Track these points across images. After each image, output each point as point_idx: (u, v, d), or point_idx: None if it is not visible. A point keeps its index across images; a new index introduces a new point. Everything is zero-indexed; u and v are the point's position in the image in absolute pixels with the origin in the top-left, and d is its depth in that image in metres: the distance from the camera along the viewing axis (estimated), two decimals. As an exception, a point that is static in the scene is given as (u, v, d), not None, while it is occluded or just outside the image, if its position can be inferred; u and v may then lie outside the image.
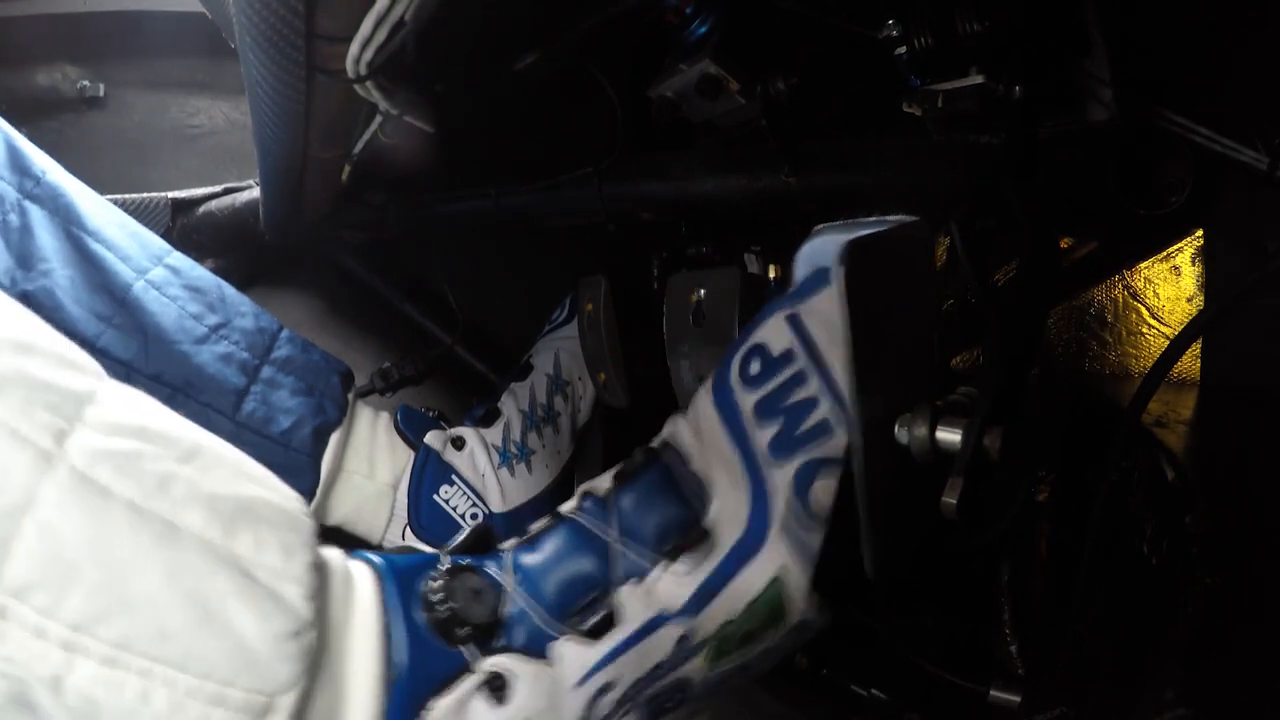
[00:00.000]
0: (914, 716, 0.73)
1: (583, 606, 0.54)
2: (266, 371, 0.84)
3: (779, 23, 0.64)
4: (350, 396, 0.90)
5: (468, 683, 0.49)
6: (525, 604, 0.53)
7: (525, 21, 0.71)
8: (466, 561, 0.54)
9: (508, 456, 0.93)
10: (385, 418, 0.94)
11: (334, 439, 0.86)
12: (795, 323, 0.53)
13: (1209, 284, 0.71)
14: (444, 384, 1.16)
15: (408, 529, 0.89)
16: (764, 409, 0.53)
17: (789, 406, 0.52)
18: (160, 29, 1.15)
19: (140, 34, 1.15)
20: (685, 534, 0.54)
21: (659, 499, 0.56)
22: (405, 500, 0.89)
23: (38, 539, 0.35)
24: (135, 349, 0.77)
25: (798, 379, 0.52)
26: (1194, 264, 0.73)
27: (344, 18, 0.48)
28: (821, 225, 0.57)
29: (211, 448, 0.43)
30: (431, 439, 0.92)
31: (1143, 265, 0.76)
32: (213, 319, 0.83)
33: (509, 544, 0.58)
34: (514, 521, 0.92)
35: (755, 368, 0.54)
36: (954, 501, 0.44)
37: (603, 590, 0.54)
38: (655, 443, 0.59)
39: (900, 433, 0.49)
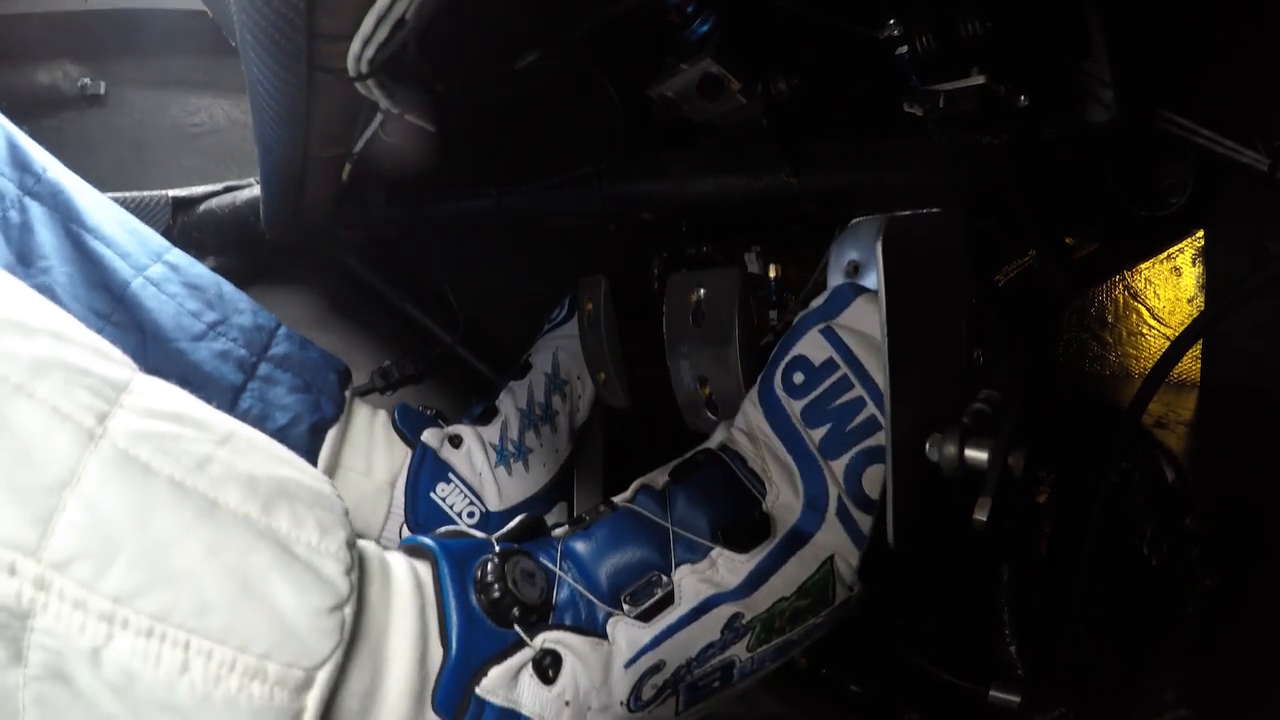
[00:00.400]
0: (914, 716, 0.73)
1: (635, 589, 0.56)
2: (264, 368, 0.84)
3: (780, 23, 0.64)
4: (348, 394, 0.90)
5: (521, 654, 0.50)
6: (576, 588, 0.55)
7: (526, 21, 0.70)
8: (518, 546, 0.56)
9: (505, 455, 0.93)
10: (383, 415, 0.94)
11: (331, 436, 0.85)
12: (830, 335, 0.59)
13: (1210, 285, 0.71)
14: (444, 383, 1.16)
15: (404, 527, 0.89)
16: (812, 413, 0.59)
17: (836, 408, 0.58)
18: (161, 27, 1.15)
19: (141, 32, 1.15)
20: (741, 521, 0.58)
21: (715, 492, 0.60)
22: (402, 498, 0.89)
23: (81, 513, 0.35)
24: (133, 346, 0.77)
25: (842, 385, 0.58)
26: (1195, 265, 0.73)
27: (345, 16, 0.47)
28: (859, 219, 0.62)
29: (244, 433, 0.44)
30: (429, 437, 0.92)
31: (1143, 266, 0.76)
32: (211, 316, 0.83)
33: (560, 531, 0.60)
34: (510, 520, 0.92)
35: (799, 378, 0.60)
36: (984, 519, 0.49)
37: (656, 573, 0.56)
38: (713, 445, 0.64)
39: (931, 451, 0.53)
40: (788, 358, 0.62)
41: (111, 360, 0.41)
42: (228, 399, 0.81)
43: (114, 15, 1.14)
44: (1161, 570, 0.56)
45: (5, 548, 0.34)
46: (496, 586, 0.51)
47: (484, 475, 0.92)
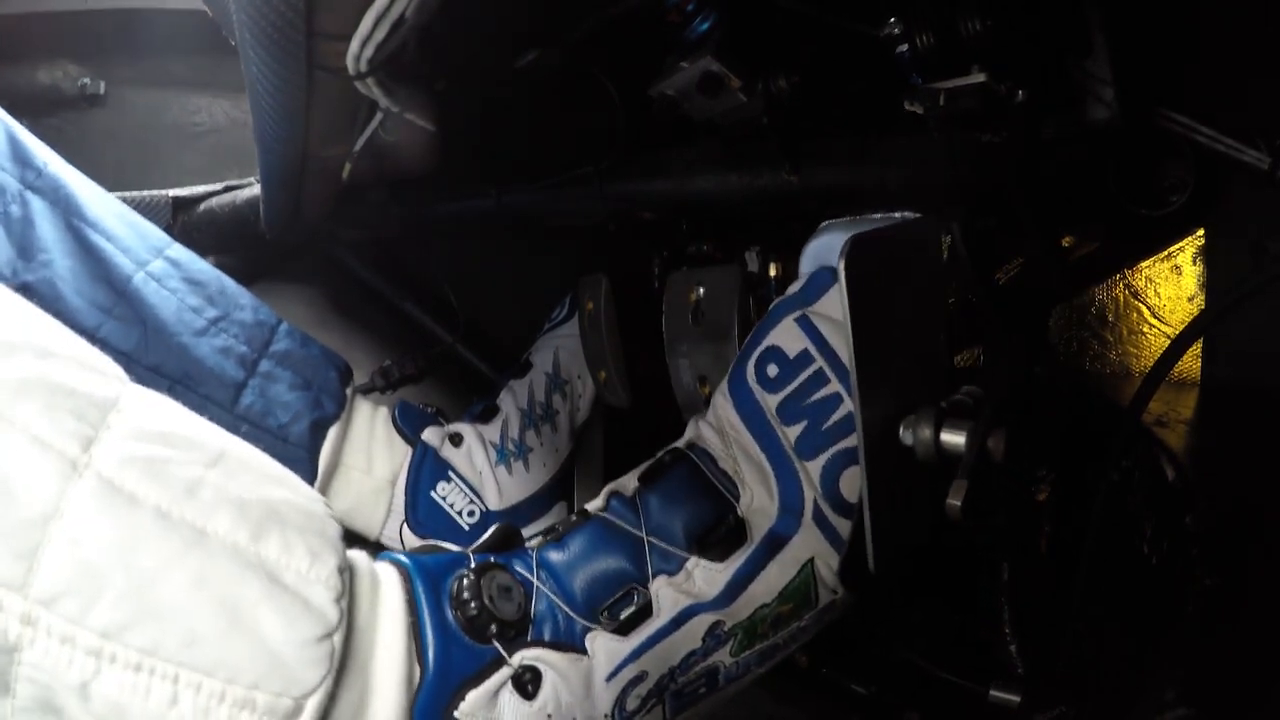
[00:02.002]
0: (913, 716, 0.73)
1: (612, 602, 0.55)
2: (265, 365, 0.84)
3: (781, 20, 0.64)
4: (348, 392, 0.90)
5: (500, 674, 0.49)
6: (553, 600, 0.54)
7: (526, 19, 0.70)
8: (493, 559, 0.55)
9: (505, 454, 0.93)
10: (384, 413, 0.94)
11: (332, 433, 0.86)
12: (805, 324, 0.57)
13: (1210, 284, 0.71)
14: (444, 382, 1.16)
15: (405, 525, 0.89)
16: (787, 409, 0.57)
17: (812, 405, 0.56)
18: (161, 27, 1.15)
19: (141, 31, 1.15)
20: (715, 528, 0.56)
21: (687, 497, 0.58)
22: (402, 496, 0.89)
23: (66, 548, 0.35)
24: (135, 340, 0.77)
25: (818, 379, 0.56)
26: (1195, 263, 0.73)
27: (344, 15, 0.47)
28: (828, 221, 0.59)
29: (236, 452, 0.43)
30: (429, 435, 0.92)
31: (1144, 265, 0.76)
32: (212, 312, 0.83)
33: (534, 541, 0.59)
34: (510, 519, 0.92)
35: (773, 370, 0.57)
36: (959, 504, 0.45)
37: (632, 585, 0.55)
38: (681, 444, 0.61)
39: (905, 434, 0.50)
40: (760, 348, 0.59)
41: (99, 374, 0.40)
42: (229, 395, 0.81)
43: (114, 15, 1.13)
44: (1162, 569, 0.56)
45: None
46: (473, 604, 0.50)
47: (484, 474, 0.92)
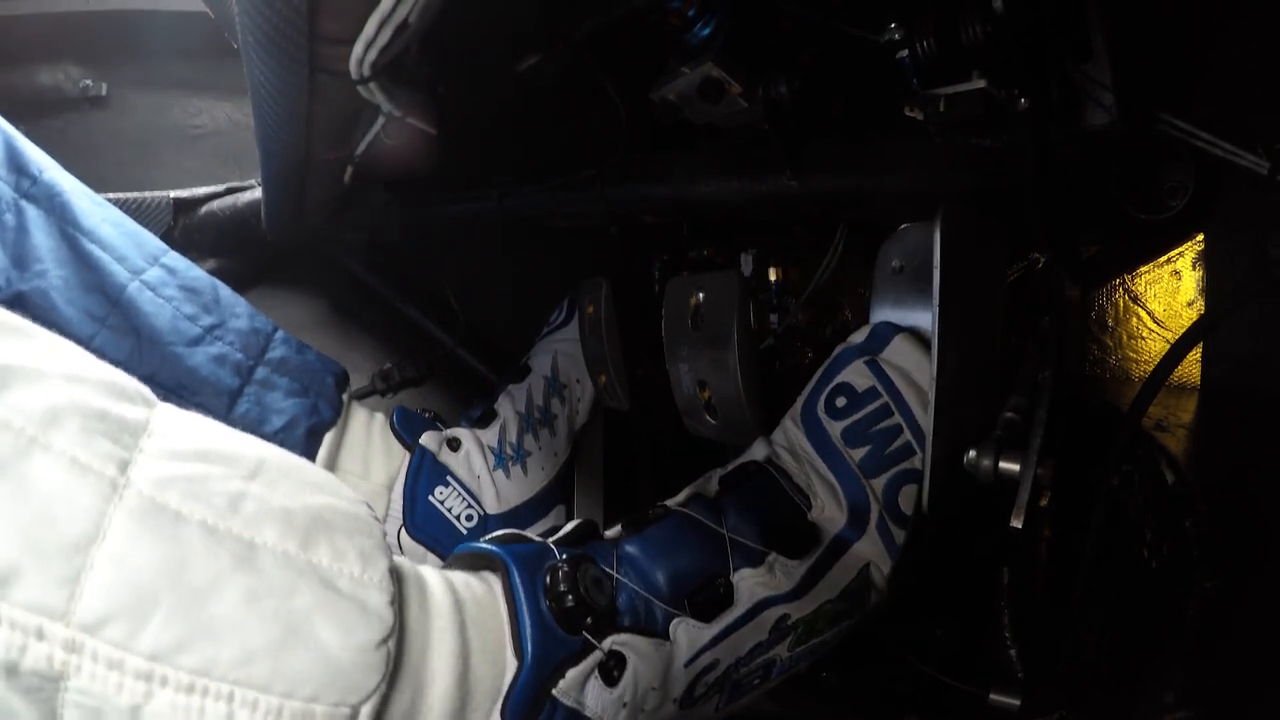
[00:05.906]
0: (913, 719, 0.73)
1: (691, 591, 0.58)
2: (260, 372, 0.84)
3: (781, 26, 0.65)
4: (345, 397, 0.90)
5: (592, 657, 0.51)
6: (636, 589, 0.56)
7: (528, 23, 0.71)
8: (584, 552, 0.56)
9: (503, 458, 0.93)
10: (380, 418, 0.94)
11: (328, 439, 0.85)
12: (874, 367, 0.65)
13: (1210, 288, 0.71)
14: (445, 385, 1.16)
15: (402, 530, 0.89)
16: (852, 435, 0.64)
17: (877, 432, 0.63)
18: (163, 29, 1.15)
19: (143, 33, 1.15)
20: (791, 530, 0.62)
21: (765, 503, 0.64)
22: (399, 501, 0.89)
23: (110, 571, 0.34)
24: (129, 350, 0.77)
25: (883, 411, 0.63)
26: (1195, 268, 0.73)
27: (347, 19, 0.47)
28: (906, 225, 0.67)
29: (274, 460, 0.43)
30: (427, 440, 0.92)
31: (1143, 269, 0.76)
32: (207, 320, 0.83)
33: (612, 533, 0.62)
34: (508, 523, 0.92)
35: (841, 402, 0.65)
36: (1020, 525, 0.53)
37: (711, 577, 0.59)
38: (759, 458, 0.68)
39: (967, 465, 0.57)
40: (832, 384, 0.66)
41: (127, 399, 0.39)
42: (224, 403, 0.81)
43: (116, 16, 1.14)
44: (1162, 573, 0.56)
45: (32, 612, 0.32)
46: (570, 597, 0.51)
47: (482, 478, 0.92)
